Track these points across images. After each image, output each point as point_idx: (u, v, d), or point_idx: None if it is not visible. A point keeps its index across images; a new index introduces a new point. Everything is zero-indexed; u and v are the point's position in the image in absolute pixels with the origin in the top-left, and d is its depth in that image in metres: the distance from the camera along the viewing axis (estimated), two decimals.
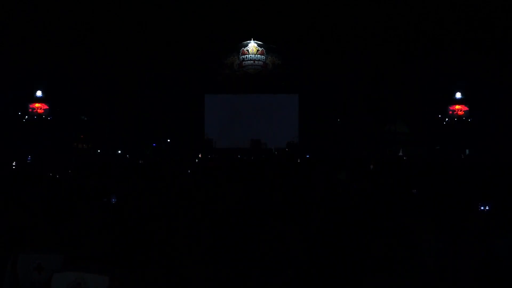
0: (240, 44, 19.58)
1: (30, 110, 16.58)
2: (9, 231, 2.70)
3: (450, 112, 17.37)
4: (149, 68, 17.85)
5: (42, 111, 16.59)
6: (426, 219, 2.61)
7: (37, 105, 16.58)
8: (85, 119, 18.37)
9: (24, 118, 16.52)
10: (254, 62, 19.62)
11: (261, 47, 19.60)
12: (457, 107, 17.26)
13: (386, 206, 3.79)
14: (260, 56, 19.62)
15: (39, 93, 16.66)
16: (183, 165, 9.92)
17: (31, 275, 2.18)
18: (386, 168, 9.13)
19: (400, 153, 16.45)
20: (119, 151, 16.50)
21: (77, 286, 1.87)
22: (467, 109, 17.17)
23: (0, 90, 15.31)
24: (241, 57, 19.63)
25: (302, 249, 3.04)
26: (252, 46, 19.57)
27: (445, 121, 17.36)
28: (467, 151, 16.03)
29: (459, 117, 17.25)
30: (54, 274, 1.94)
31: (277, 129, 19.53)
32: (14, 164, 8.89)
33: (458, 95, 17.29)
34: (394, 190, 5.03)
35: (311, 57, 18.45)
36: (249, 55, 19.60)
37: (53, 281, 1.92)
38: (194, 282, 2.63)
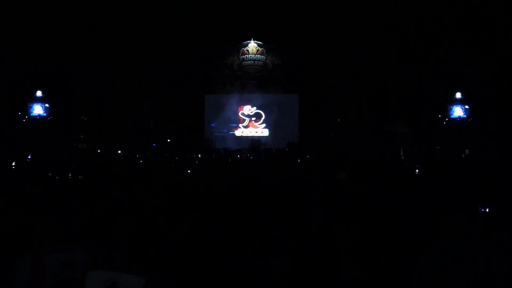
0: (240, 44, 19.59)
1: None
2: (9, 231, 2.70)
3: (450, 112, 17.38)
4: (149, 68, 17.86)
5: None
6: (428, 218, 2.61)
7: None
8: (85, 119, 18.37)
9: (24, 118, 16.52)
10: (254, 62, 19.64)
11: (261, 47, 19.62)
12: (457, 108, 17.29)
13: (386, 206, 3.79)
14: (260, 56, 19.64)
15: (39, 93, 16.66)
16: (183, 165, 9.93)
17: (58, 273, 2.11)
18: (387, 168, 9.13)
19: (401, 153, 16.45)
20: (119, 151, 16.51)
21: (113, 286, 1.84)
22: (467, 109, 17.18)
23: (0, 90, 15.31)
24: (241, 57, 19.65)
25: (301, 249, 3.04)
26: (252, 46, 19.59)
27: (445, 121, 17.37)
28: (467, 151, 16.03)
29: (459, 117, 17.25)
30: (89, 272, 1.90)
31: (277, 129, 19.56)
32: (14, 164, 8.89)
33: (458, 95, 17.29)
34: (395, 190, 5.03)
35: (311, 57, 18.45)
36: (249, 55, 19.62)
37: (88, 278, 1.89)
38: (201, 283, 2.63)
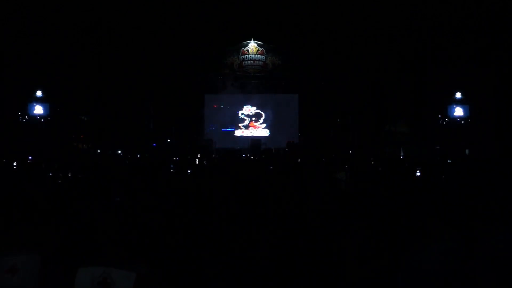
0: (240, 44, 19.59)
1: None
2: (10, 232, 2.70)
3: (450, 112, 17.39)
4: (149, 68, 17.86)
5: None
6: (431, 219, 2.61)
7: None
8: (85, 119, 18.37)
9: (24, 118, 16.52)
10: (254, 62, 19.65)
11: (261, 47, 19.62)
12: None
13: (385, 206, 3.80)
14: (260, 56, 19.64)
15: (39, 93, 16.66)
16: (183, 165, 9.93)
17: (2, 278, 2.05)
18: (387, 167, 9.14)
19: (401, 153, 16.45)
20: (119, 151, 16.51)
21: (103, 281, 1.83)
22: (467, 109, 17.19)
23: (0, 90, 15.31)
24: (241, 57, 19.65)
25: (300, 250, 3.05)
26: (252, 46, 19.60)
27: (445, 121, 17.37)
28: (467, 151, 16.03)
29: (459, 117, 17.26)
30: (79, 269, 1.89)
31: (277, 129, 19.57)
32: (14, 164, 8.90)
33: (458, 95, 17.30)
34: (395, 190, 5.04)
35: (311, 57, 18.47)
36: (249, 55, 19.63)
37: (78, 275, 1.88)
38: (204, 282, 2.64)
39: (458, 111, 17.30)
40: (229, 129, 19.76)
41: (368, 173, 7.98)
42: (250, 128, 19.89)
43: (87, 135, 18.09)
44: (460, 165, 9.90)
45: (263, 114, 19.88)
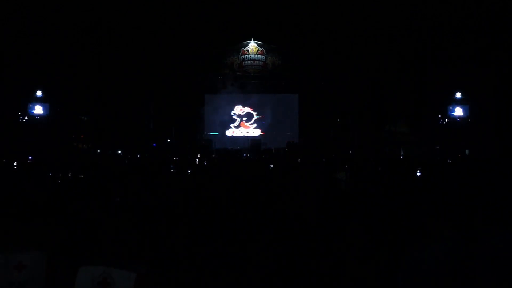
0: (240, 44, 19.60)
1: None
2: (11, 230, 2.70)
3: (450, 112, 17.39)
4: (149, 68, 17.86)
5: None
6: (432, 219, 2.61)
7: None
8: (85, 119, 18.38)
9: (24, 118, 16.53)
10: (254, 62, 19.65)
11: (261, 47, 19.62)
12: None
13: (385, 206, 3.80)
14: (260, 56, 19.64)
15: (39, 93, 16.67)
16: (183, 165, 9.93)
17: (10, 274, 2.10)
18: (387, 167, 9.14)
19: (401, 153, 16.46)
20: (119, 151, 16.51)
21: (103, 281, 1.86)
22: (467, 109, 17.19)
23: (0, 90, 15.32)
24: (241, 57, 19.65)
25: (301, 251, 3.05)
26: (252, 46, 19.60)
27: (445, 121, 17.37)
28: (467, 151, 16.04)
29: (459, 117, 17.26)
30: (80, 268, 1.91)
31: (277, 129, 19.57)
32: (14, 164, 8.90)
33: (458, 95, 17.30)
34: (395, 190, 5.04)
35: (311, 57, 18.47)
36: (249, 55, 19.63)
37: (79, 274, 1.90)
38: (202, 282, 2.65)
39: (458, 111, 17.31)
40: (215, 133, 19.64)
41: (368, 173, 7.97)
42: (241, 128, 19.87)
43: (87, 135, 18.09)
44: (460, 165, 9.90)
45: (254, 115, 19.85)
